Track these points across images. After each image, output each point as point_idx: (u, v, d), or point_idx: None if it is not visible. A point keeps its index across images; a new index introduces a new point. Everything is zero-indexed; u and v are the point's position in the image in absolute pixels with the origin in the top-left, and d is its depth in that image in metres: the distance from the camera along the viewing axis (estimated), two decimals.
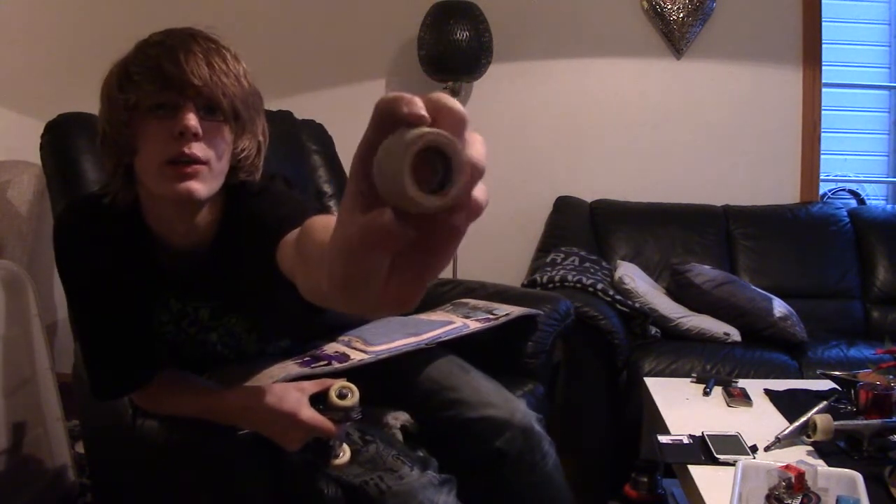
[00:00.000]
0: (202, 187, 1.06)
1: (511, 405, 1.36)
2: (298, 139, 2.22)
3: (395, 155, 0.42)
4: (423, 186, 0.42)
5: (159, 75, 1.03)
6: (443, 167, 0.43)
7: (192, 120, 1.03)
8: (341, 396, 1.13)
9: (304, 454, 1.18)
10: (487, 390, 1.39)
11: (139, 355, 1.22)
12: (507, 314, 1.62)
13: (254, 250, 1.01)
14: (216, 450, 1.20)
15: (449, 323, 1.53)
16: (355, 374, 1.30)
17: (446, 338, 1.45)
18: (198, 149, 1.04)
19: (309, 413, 1.13)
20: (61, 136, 1.61)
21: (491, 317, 1.60)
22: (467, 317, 1.60)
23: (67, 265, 1.20)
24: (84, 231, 1.18)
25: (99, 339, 1.22)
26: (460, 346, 1.50)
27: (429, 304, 1.78)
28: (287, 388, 1.16)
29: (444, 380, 1.41)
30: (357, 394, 1.14)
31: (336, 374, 1.28)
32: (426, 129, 0.42)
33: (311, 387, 1.16)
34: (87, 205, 1.20)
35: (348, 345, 1.39)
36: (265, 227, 1.00)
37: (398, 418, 1.37)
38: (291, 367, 1.28)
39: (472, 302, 1.76)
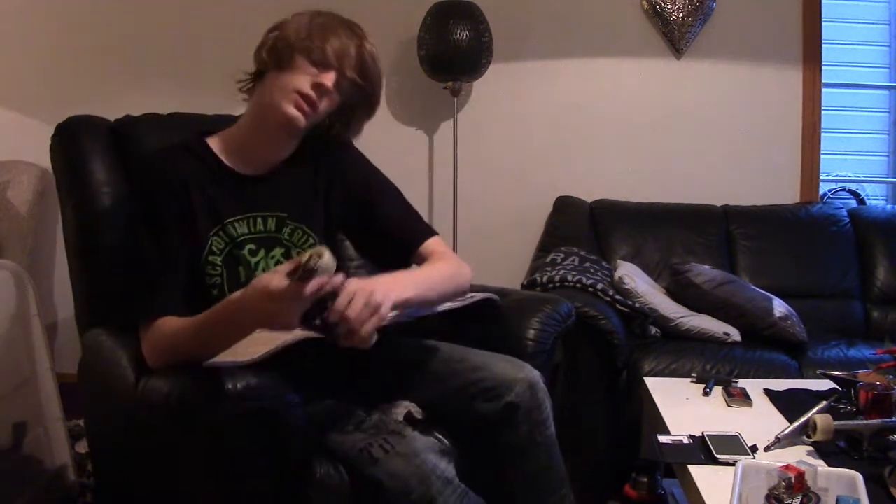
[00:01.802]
0: (303, 121, 1.37)
1: (518, 363, 1.42)
2: None
3: None
4: None
5: (333, 46, 1.37)
6: None
7: (329, 81, 1.36)
8: (312, 267, 1.12)
9: (309, 326, 1.19)
10: (493, 355, 1.45)
11: (173, 289, 1.34)
12: (472, 296, 1.65)
13: (335, 194, 1.49)
14: (215, 419, 1.19)
15: None
16: (360, 370, 1.39)
17: (422, 313, 1.47)
18: (321, 101, 1.37)
19: (277, 282, 1.13)
20: (70, 138, 1.66)
21: (458, 298, 1.62)
22: None
23: (143, 190, 1.40)
24: (164, 160, 1.41)
25: (144, 263, 1.35)
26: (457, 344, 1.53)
27: None
28: (259, 277, 1.19)
29: (449, 355, 1.47)
30: (327, 254, 1.14)
31: (333, 360, 1.32)
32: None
33: (285, 267, 1.16)
34: (166, 147, 1.45)
35: None
36: (365, 185, 1.53)
37: (400, 405, 1.39)
38: (297, 331, 1.30)
39: None
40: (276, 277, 1.14)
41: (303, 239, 1.46)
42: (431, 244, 1.51)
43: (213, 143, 1.45)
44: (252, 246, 1.41)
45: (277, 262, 1.42)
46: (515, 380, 1.37)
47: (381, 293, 1.18)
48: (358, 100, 1.47)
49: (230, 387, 1.17)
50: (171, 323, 1.30)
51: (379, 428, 1.28)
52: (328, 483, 1.28)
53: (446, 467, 1.25)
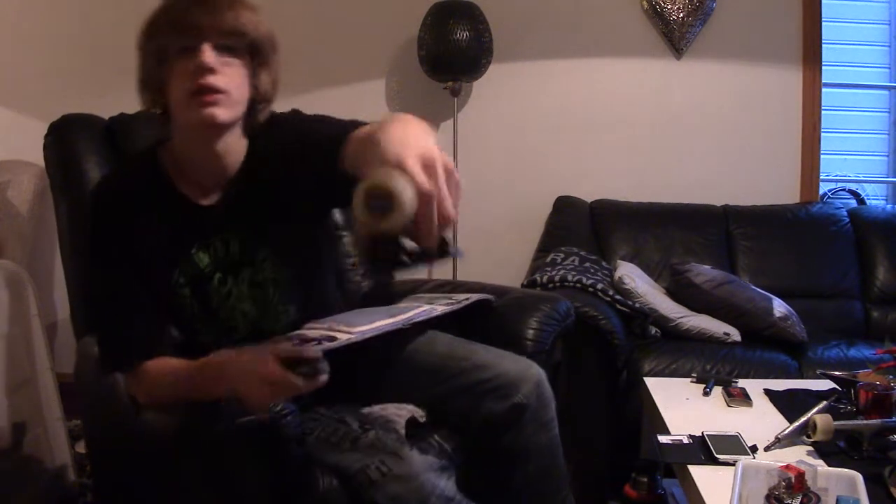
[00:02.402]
0: (223, 112, 1.22)
1: (525, 361, 1.42)
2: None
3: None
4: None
5: (180, 24, 1.19)
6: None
7: (208, 56, 1.18)
8: (377, 207, 0.79)
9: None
10: (498, 352, 1.44)
11: (153, 330, 1.29)
12: (466, 298, 1.65)
13: (304, 166, 1.21)
14: (214, 437, 1.20)
15: (418, 307, 1.56)
16: (359, 368, 1.37)
17: (418, 319, 1.48)
18: (216, 80, 1.20)
19: (270, 369, 1.12)
20: (64, 137, 1.65)
21: (453, 301, 1.63)
22: (430, 303, 1.63)
23: (100, 232, 1.31)
24: (119, 196, 1.32)
25: (116, 310, 1.29)
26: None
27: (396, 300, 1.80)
28: (260, 349, 1.18)
29: (454, 352, 1.45)
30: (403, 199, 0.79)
31: (327, 353, 1.29)
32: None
33: (282, 348, 1.17)
34: (118, 173, 1.38)
35: (329, 329, 1.41)
36: (323, 140, 1.15)
37: (403, 409, 1.39)
38: (286, 346, 1.29)
39: (428, 295, 1.78)
40: (269, 362, 1.11)
41: (266, 264, 1.36)
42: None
43: (167, 157, 1.33)
44: (219, 275, 1.34)
45: (251, 285, 1.36)
46: (523, 379, 1.37)
47: (434, 148, 0.92)
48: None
49: (225, 403, 1.17)
50: (157, 367, 1.27)
51: (375, 446, 1.23)
52: (329, 498, 1.26)
53: (446, 485, 1.23)
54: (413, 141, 0.92)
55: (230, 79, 1.22)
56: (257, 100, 1.30)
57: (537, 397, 1.37)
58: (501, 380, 1.37)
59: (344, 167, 1.06)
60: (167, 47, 1.21)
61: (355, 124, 1.18)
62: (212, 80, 1.19)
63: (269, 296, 1.38)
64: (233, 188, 1.32)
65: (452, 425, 1.41)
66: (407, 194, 0.78)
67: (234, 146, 1.31)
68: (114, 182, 1.38)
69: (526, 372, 1.38)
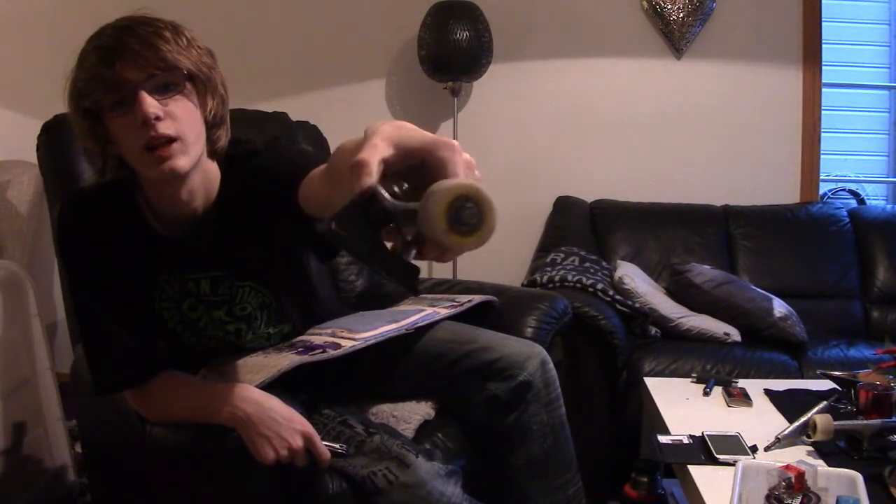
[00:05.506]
0: (182, 160, 1.11)
1: (528, 343, 1.44)
2: (293, 141, 2.21)
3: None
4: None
5: (101, 81, 1.09)
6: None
7: (148, 107, 1.07)
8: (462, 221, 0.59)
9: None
10: (503, 336, 1.45)
11: (140, 347, 1.23)
12: (469, 300, 1.66)
13: (266, 202, 1.07)
14: (222, 446, 1.19)
15: (421, 311, 1.57)
16: (366, 363, 1.38)
17: (422, 323, 1.49)
18: (164, 127, 1.09)
19: (298, 441, 1.14)
20: (58, 137, 1.63)
21: (456, 303, 1.63)
22: (433, 305, 1.64)
23: (71, 258, 1.23)
24: (86, 221, 1.22)
25: (101, 331, 1.22)
26: None
27: (396, 301, 1.80)
28: (289, 414, 1.17)
29: (457, 336, 1.47)
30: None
31: (332, 361, 1.30)
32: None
33: (312, 436, 1.17)
34: (86, 197, 1.25)
35: (333, 335, 1.41)
36: (284, 174, 1.01)
37: (414, 412, 1.38)
38: (291, 356, 1.30)
39: (430, 296, 1.79)
40: (296, 435, 1.14)
41: (249, 295, 1.32)
42: None
43: (139, 189, 1.24)
44: (191, 301, 1.30)
45: (234, 318, 1.32)
46: (529, 357, 1.39)
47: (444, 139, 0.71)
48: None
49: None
50: (161, 387, 1.23)
51: (380, 451, 1.22)
52: (338, 501, 1.25)
53: (454, 491, 1.22)
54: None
55: (179, 121, 1.11)
56: (212, 124, 1.18)
57: (542, 374, 1.39)
58: (507, 361, 1.38)
59: (304, 204, 0.94)
60: (101, 104, 1.10)
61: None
62: (161, 129, 1.08)
63: (254, 321, 1.34)
64: (202, 226, 1.23)
65: (455, 412, 1.42)
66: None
67: (203, 180, 1.21)
68: (79, 209, 1.25)
69: (531, 350, 1.41)
